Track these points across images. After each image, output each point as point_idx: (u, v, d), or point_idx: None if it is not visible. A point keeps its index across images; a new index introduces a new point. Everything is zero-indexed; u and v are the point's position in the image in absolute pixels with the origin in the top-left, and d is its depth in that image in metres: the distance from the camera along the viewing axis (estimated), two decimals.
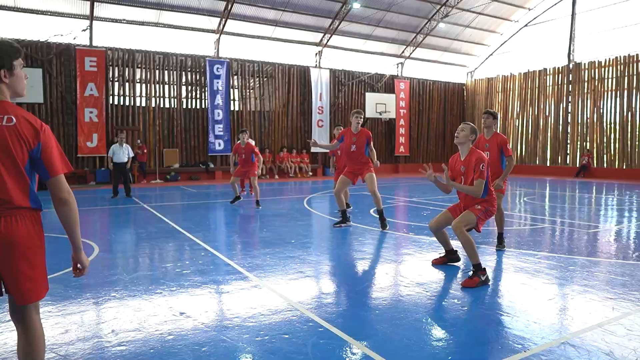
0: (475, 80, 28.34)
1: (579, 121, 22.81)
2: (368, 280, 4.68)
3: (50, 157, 2.22)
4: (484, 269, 4.44)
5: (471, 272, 4.44)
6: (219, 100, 21.11)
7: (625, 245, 6.55)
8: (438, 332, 3.32)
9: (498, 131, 6.25)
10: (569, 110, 23.18)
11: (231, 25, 20.97)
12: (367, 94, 24.68)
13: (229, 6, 19.83)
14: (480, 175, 4.52)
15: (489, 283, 4.44)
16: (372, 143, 7.53)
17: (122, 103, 19.53)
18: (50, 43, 18.02)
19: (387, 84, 25.82)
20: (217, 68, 21.05)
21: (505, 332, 3.30)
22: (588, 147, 22.42)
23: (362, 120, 7.55)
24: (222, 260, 5.43)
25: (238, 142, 11.15)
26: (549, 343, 3.05)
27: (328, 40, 23.40)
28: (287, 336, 3.21)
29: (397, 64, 26.27)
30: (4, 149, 2.13)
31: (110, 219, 9.54)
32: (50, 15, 18.08)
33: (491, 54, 27.72)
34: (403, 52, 25.86)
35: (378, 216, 7.50)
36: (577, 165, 22.33)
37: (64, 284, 4.48)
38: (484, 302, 3.94)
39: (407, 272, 4.96)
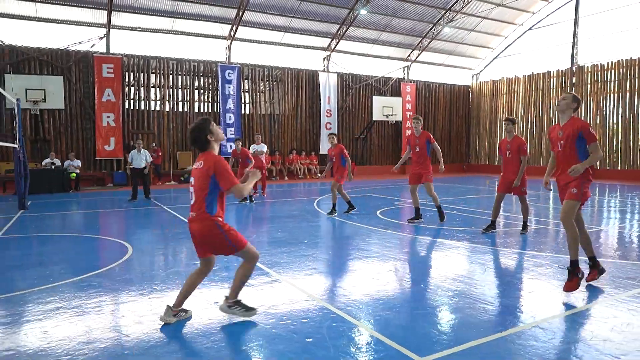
0: (480, 82, 28.85)
1: None
2: (374, 275, 5.31)
3: (221, 179, 3.71)
4: (579, 266, 4.46)
5: (568, 273, 4.44)
6: (230, 104, 21.83)
7: (613, 245, 7.13)
8: (432, 318, 3.96)
9: (503, 135, 7.54)
10: None
11: (242, 31, 21.68)
12: (374, 97, 25.26)
13: (240, 13, 20.53)
14: (591, 138, 4.50)
15: (583, 276, 4.50)
16: (434, 142, 8.65)
17: (137, 107, 20.31)
18: (70, 51, 18.82)
19: (393, 87, 26.42)
20: (229, 73, 21.77)
21: (487, 318, 3.94)
22: None
23: (420, 124, 8.70)
24: None
25: (234, 148, 13.09)
26: (522, 326, 3.69)
27: (336, 45, 24.04)
28: (305, 320, 3.88)
29: (404, 68, 26.85)
30: (197, 180, 3.77)
31: (136, 220, 10.26)
32: (69, 24, 18.88)
33: (496, 57, 28.22)
34: (409, 55, 26.43)
35: (437, 210, 8.90)
36: None
37: (110, 278, 5.18)
38: (472, 294, 4.56)
39: (409, 268, 5.60)
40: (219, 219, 3.81)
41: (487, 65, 28.77)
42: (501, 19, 25.67)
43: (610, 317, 3.87)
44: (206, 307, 4.22)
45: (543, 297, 4.45)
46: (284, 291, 4.64)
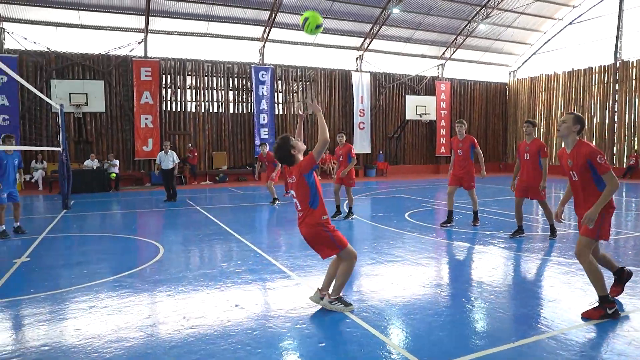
0: (517, 79, 28.17)
1: (626, 120, 22.39)
2: (392, 280, 5.36)
3: (307, 164, 4.11)
4: (612, 301, 4.04)
5: (597, 304, 4.08)
6: (264, 105, 22.18)
7: None
8: (446, 325, 3.99)
9: (540, 133, 7.44)
10: (616, 110, 22.77)
11: (275, 33, 21.99)
12: (408, 97, 25.10)
13: (273, 15, 20.83)
14: (603, 169, 3.97)
15: (618, 317, 4.01)
16: (478, 147, 8.71)
17: (174, 109, 20.95)
18: (110, 56, 19.61)
19: (427, 86, 26.15)
20: (262, 74, 22.12)
21: (502, 327, 3.94)
22: (636, 148, 21.98)
23: (464, 127, 8.79)
24: (268, 261, 6.28)
25: (260, 152, 13.28)
26: (536, 337, 3.67)
27: (369, 45, 24.02)
28: (320, 325, 3.99)
29: (438, 66, 26.54)
30: (297, 190, 4.17)
31: (169, 220, 10.64)
32: (110, 30, 19.67)
33: (534, 53, 27.49)
34: (443, 53, 26.10)
35: (473, 214, 8.95)
36: (624, 166, 21.94)
37: (141, 279, 5.45)
38: (490, 302, 4.55)
39: (428, 274, 5.62)
40: (324, 217, 4.19)
41: (525, 61, 28.06)
42: (540, 13, 24.98)
43: (630, 330, 3.80)
44: (227, 309, 4.39)
45: (563, 307, 4.39)
46: (303, 295, 4.76)
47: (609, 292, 4.14)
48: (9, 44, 18.18)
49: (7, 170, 8.26)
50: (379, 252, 6.80)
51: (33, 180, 17.72)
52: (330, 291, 4.38)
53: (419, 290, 4.97)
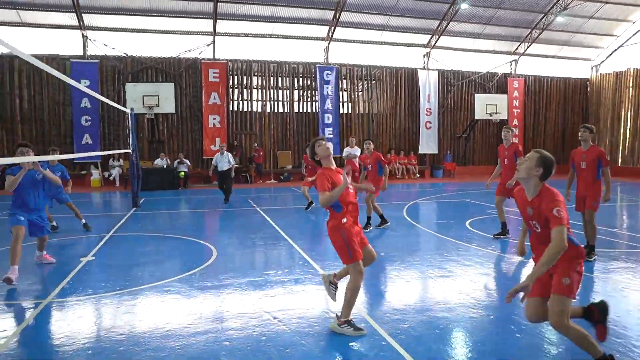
0: (601, 74, 26.09)
1: None
2: (439, 299, 5.09)
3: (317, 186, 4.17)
4: (611, 356, 3.33)
5: None
6: (328, 104, 22.19)
7: None
8: (483, 355, 3.71)
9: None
10: None
11: (339, 32, 21.89)
12: (477, 95, 24.00)
13: (337, 15, 20.74)
14: (557, 220, 3.15)
15: None
16: (521, 157, 8.08)
17: (240, 109, 21.50)
18: (180, 59, 20.47)
19: (499, 83, 24.94)
20: (327, 74, 22.12)
21: (520, 350, 3.61)
22: None
23: (511, 134, 8.36)
24: (315, 270, 6.23)
25: (305, 154, 12.73)
26: None
27: (436, 42, 23.29)
28: (355, 347, 3.86)
29: (511, 62, 25.20)
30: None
31: (227, 222, 10.93)
32: (180, 34, 20.54)
33: (621, 45, 25.30)
34: (517, 49, 24.74)
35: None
36: None
37: (189, 284, 5.60)
38: (513, 321, 4.17)
39: (478, 293, 5.29)
40: (344, 221, 4.13)
41: (609, 55, 25.92)
42: (628, 1, 22.91)
43: None
44: (263, 323, 4.37)
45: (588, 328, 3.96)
46: (335, 308, 4.65)
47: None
48: (91, 50, 19.52)
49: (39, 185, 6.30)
50: (430, 265, 6.53)
51: (111, 178, 18.96)
52: (339, 314, 4.15)
53: (465, 311, 4.68)
